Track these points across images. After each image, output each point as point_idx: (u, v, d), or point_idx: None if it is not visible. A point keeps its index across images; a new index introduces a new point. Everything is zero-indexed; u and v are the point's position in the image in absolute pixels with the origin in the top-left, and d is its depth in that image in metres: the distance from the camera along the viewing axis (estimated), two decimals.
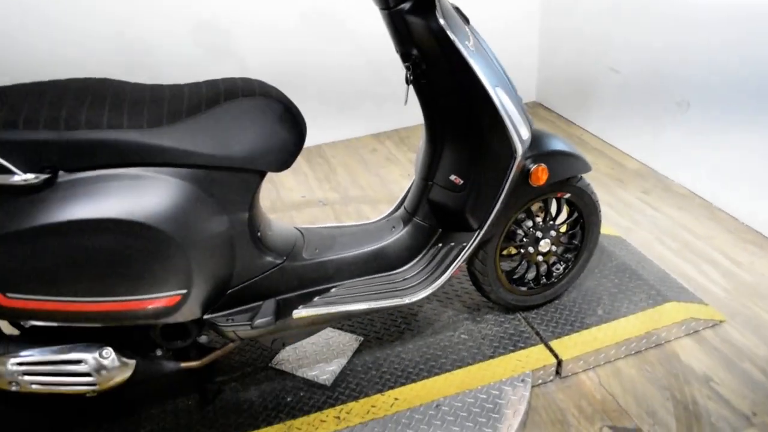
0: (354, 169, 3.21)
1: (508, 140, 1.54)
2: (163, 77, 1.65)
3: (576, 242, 1.94)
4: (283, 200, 2.96)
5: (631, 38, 2.85)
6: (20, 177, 1.26)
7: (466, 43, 1.45)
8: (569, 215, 1.90)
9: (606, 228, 2.44)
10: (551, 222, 1.86)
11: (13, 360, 1.46)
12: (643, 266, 2.18)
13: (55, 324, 1.46)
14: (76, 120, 1.29)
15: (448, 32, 1.42)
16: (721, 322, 1.99)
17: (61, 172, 1.29)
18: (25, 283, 1.31)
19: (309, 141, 3.32)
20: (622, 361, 1.88)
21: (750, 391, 1.75)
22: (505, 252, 1.89)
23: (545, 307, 1.99)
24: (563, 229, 1.90)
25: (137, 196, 1.32)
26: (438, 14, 1.41)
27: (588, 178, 1.87)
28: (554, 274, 1.96)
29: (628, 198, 2.72)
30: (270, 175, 3.12)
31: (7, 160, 1.25)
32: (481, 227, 1.63)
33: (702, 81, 2.51)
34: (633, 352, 1.89)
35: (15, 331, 1.56)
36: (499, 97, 1.51)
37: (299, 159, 3.34)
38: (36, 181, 1.27)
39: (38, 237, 1.27)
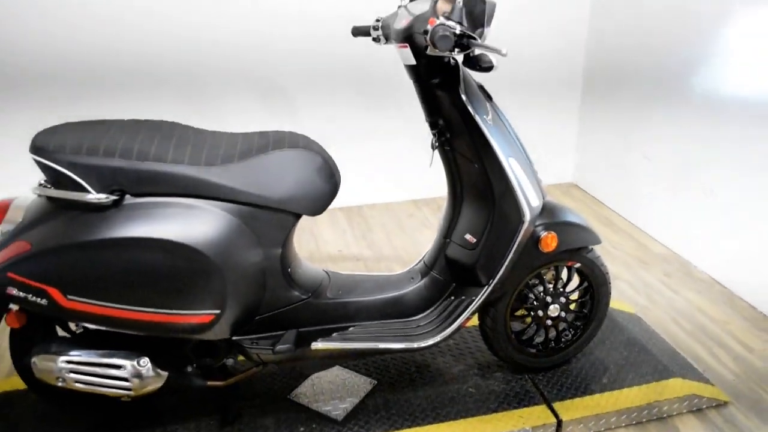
0: (390, 230, 3.39)
1: (517, 206, 1.71)
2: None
3: (585, 311, 2.05)
4: (320, 251, 3.15)
5: (663, 129, 3.00)
6: (93, 196, 1.50)
7: (485, 117, 1.64)
8: (579, 284, 2.02)
9: (622, 304, 2.53)
10: (561, 289, 1.98)
11: (62, 358, 1.65)
12: (654, 343, 2.25)
13: (103, 328, 1.65)
14: (146, 153, 1.53)
15: (469, 107, 1.62)
16: (725, 402, 2.03)
17: (127, 196, 1.53)
18: (84, 287, 1.52)
19: (351, 201, 3.60)
20: (623, 429, 1.94)
21: None
22: (517, 313, 2.01)
23: (552, 371, 2.08)
24: (573, 297, 2.02)
25: (189, 223, 1.53)
26: (461, 90, 1.62)
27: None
28: (563, 340, 2.06)
29: (649, 279, 2.80)
30: (311, 227, 3.35)
31: (85, 180, 1.49)
32: (489, 283, 1.77)
33: (726, 172, 2.62)
34: (634, 422, 1.95)
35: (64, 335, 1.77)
36: (512, 166, 1.68)
37: (339, 215, 3.56)
38: (106, 200, 1.50)
39: (101, 249, 1.49)
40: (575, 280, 2.02)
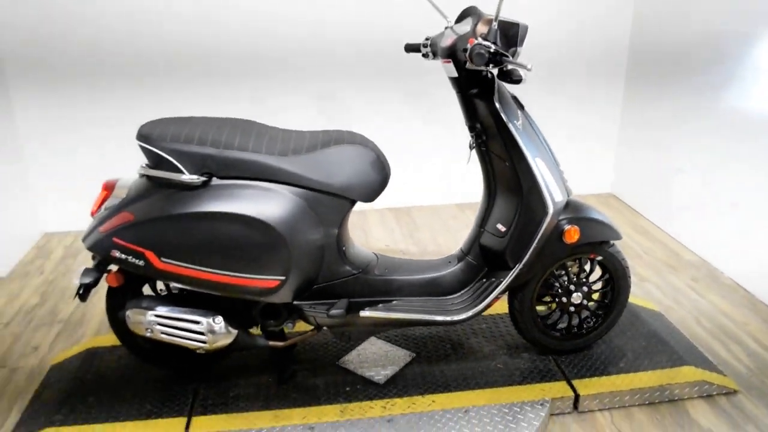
0: (435, 230, 3.66)
1: (542, 200, 1.95)
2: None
3: (606, 301, 2.26)
4: (369, 246, 3.44)
5: (695, 143, 3.18)
6: (187, 176, 1.83)
7: (516, 122, 1.90)
8: (601, 276, 2.24)
9: (647, 303, 2.72)
10: (584, 279, 2.21)
11: (151, 313, 1.98)
12: (673, 336, 2.44)
13: (186, 289, 1.98)
14: (231, 144, 1.85)
15: (501, 113, 1.89)
16: (735, 391, 2.21)
17: (214, 178, 1.85)
18: (176, 252, 1.85)
19: (400, 203, 3.89)
20: (636, 408, 2.14)
21: None
22: (544, 299, 2.24)
23: (574, 354, 2.30)
24: (595, 287, 2.24)
25: (264, 202, 1.84)
26: (495, 99, 1.88)
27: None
28: (585, 326, 2.28)
29: (677, 283, 2.97)
30: (362, 224, 3.64)
31: (180, 164, 1.83)
32: (516, 266, 2.01)
33: (751, 183, 2.79)
34: (647, 402, 2.16)
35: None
36: (538, 165, 1.94)
37: (389, 215, 3.85)
38: (197, 181, 1.83)
39: (191, 220, 1.82)
40: (597, 271, 2.24)
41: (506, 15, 1.84)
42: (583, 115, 3.90)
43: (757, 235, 2.79)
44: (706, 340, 2.52)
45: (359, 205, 3.72)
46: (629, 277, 2.24)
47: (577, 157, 3.98)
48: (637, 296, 2.81)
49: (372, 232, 3.63)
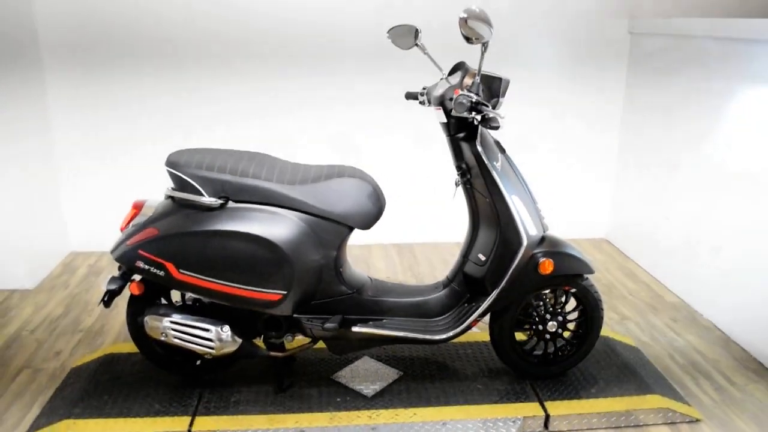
0: (434, 265, 3.88)
1: (517, 232, 2.19)
2: None
3: (580, 331, 2.47)
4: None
5: (680, 192, 3.41)
6: (206, 199, 2.10)
7: (495, 163, 2.16)
8: (575, 307, 2.45)
9: (625, 338, 2.91)
10: (559, 309, 2.42)
11: (167, 319, 2.23)
12: (644, 369, 2.62)
13: (202, 298, 2.22)
14: (246, 172, 2.13)
15: (482, 155, 2.14)
16: (698, 420, 2.38)
17: (230, 201, 2.12)
18: (193, 264, 2.11)
19: (403, 239, 4.15)
20: (603, 431, 2.33)
21: None
22: (524, 327, 2.45)
23: (550, 379, 2.49)
24: (570, 317, 2.45)
25: (272, 224, 2.10)
26: (477, 143, 2.15)
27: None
28: (560, 354, 2.48)
29: (656, 322, 3.16)
30: (366, 258, 3.88)
31: (202, 188, 2.10)
32: (493, 291, 2.24)
33: (730, 231, 3.00)
34: (613, 426, 2.33)
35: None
36: (514, 202, 2.18)
37: (392, 250, 4.09)
38: (215, 203, 2.10)
39: (208, 237, 2.08)
40: (573, 303, 2.45)
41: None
42: (581, 165, 4.15)
43: (734, 279, 2.98)
44: (677, 373, 2.70)
45: (365, 240, 4.02)
46: (602, 309, 2.45)
47: (575, 204, 4.22)
48: (617, 332, 3.00)
49: (375, 265, 3.87)
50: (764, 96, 2.80)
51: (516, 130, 3.91)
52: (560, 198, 4.18)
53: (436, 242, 4.24)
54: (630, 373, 2.56)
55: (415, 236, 4.22)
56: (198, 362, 2.38)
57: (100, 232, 3.87)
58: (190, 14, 3.66)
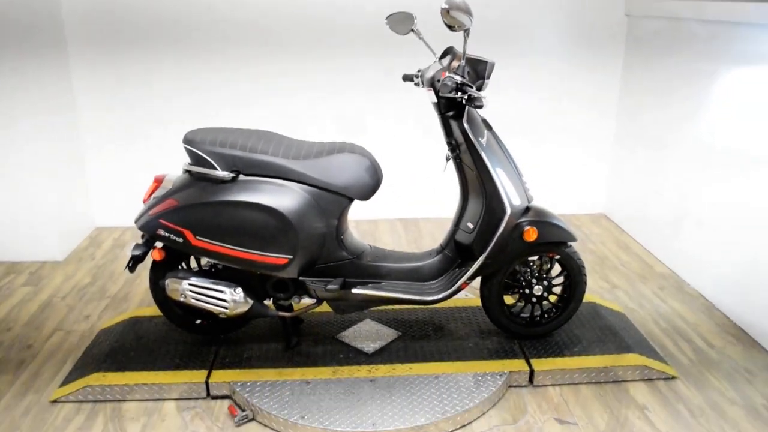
0: (437, 239, 4.04)
1: (501, 202, 2.38)
2: None
3: (564, 295, 2.66)
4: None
5: (670, 167, 3.57)
6: (220, 173, 2.32)
7: (481, 139, 2.35)
8: (560, 273, 2.64)
9: (612, 304, 3.10)
10: (545, 275, 2.62)
11: (186, 282, 2.46)
12: (627, 331, 2.82)
13: (216, 262, 2.46)
14: (255, 148, 2.34)
15: (469, 132, 2.33)
16: (673, 377, 2.57)
17: (241, 175, 2.34)
18: (207, 231, 2.33)
19: (409, 214, 4.35)
20: (584, 386, 2.53)
21: (675, 422, 2.33)
22: (512, 292, 2.65)
23: (536, 339, 2.70)
24: (555, 282, 2.64)
25: (279, 195, 2.32)
26: (464, 120, 2.33)
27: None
28: (546, 316, 2.68)
29: (644, 290, 3.35)
30: (373, 232, 4.09)
31: (216, 162, 2.32)
32: (480, 256, 2.44)
33: (716, 204, 3.16)
34: (593, 381, 2.53)
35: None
36: (498, 174, 2.37)
37: (398, 225, 4.30)
38: (228, 177, 2.32)
39: (221, 206, 2.30)
40: (557, 269, 2.65)
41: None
42: (581, 145, 4.32)
43: (718, 250, 3.15)
44: (659, 336, 2.89)
45: (373, 215, 4.22)
46: (584, 275, 2.64)
47: (575, 181, 4.39)
48: (605, 299, 3.19)
49: (381, 239, 4.08)
50: (747, 77, 2.94)
51: (517, 112, 4.11)
52: (561, 176, 4.36)
53: (440, 217, 4.43)
54: (612, 334, 2.75)
55: (421, 211, 4.42)
56: (198, 321, 2.61)
57: (122, 208, 4.13)
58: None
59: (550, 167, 4.32)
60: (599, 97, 4.24)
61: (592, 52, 4.13)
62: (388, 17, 2.44)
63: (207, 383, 2.45)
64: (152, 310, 2.93)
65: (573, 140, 4.31)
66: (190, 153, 2.39)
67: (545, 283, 2.61)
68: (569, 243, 2.59)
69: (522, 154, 4.03)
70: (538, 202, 2.54)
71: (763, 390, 2.49)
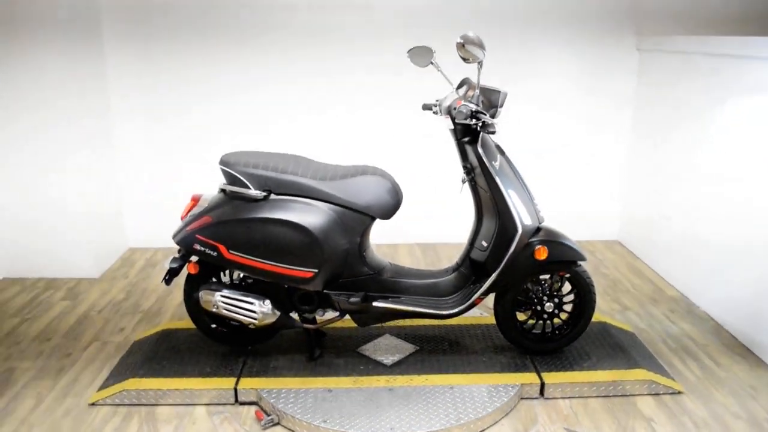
0: (454, 261, 4.23)
1: (513, 222, 2.54)
2: None
3: (575, 312, 2.80)
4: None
5: (681, 193, 3.71)
6: (253, 192, 2.53)
7: (494, 163, 2.53)
8: (570, 291, 2.78)
9: (623, 324, 3.22)
10: (556, 292, 2.76)
11: (218, 293, 2.65)
12: (636, 349, 2.93)
13: (247, 275, 2.64)
14: (286, 170, 2.55)
15: (483, 156, 2.51)
16: (679, 392, 2.68)
17: (272, 194, 2.54)
18: (240, 246, 2.52)
19: (426, 239, 4.51)
20: (593, 399, 2.64)
21: None
22: (524, 309, 2.79)
23: (547, 354, 2.83)
24: (566, 299, 2.78)
25: (307, 213, 2.51)
26: (478, 146, 2.52)
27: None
28: (557, 332, 2.81)
29: (655, 312, 3.46)
30: (393, 255, 4.25)
31: (249, 182, 2.52)
32: (493, 272, 2.59)
33: (723, 228, 3.29)
34: (602, 395, 2.65)
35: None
36: (510, 195, 2.54)
37: (417, 249, 4.46)
38: (260, 195, 2.52)
39: (253, 223, 2.50)
40: (567, 287, 2.79)
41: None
42: (596, 174, 4.48)
43: (726, 273, 3.26)
44: (667, 354, 3.00)
45: (392, 239, 4.39)
46: (594, 293, 2.77)
47: (590, 209, 4.54)
48: (615, 319, 3.31)
49: (400, 261, 4.24)
50: (751, 107, 3.10)
51: (537, 141, 4.29)
52: (577, 203, 4.51)
53: (459, 242, 4.56)
54: (621, 352, 2.87)
55: (439, 236, 4.58)
56: (214, 326, 2.78)
57: (154, 231, 4.37)
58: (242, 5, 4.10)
59: (567, 195, 4.47)
60: (614, 129, 4.40)
61: (606, 84, 4.31)
62: (409, 51, 2.65)
63: (235, 390, 2.61)
64: (184, 323, 3.12)
65: (588, 170, 4.47)
66: (226, 174, 2.60)
67: (556, 300, 2.75)
68: (579, 262, 2.73)
69: (539, 182, 4.25)
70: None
71: (766, 405, 2.59)
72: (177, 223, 2.71)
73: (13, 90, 3.62)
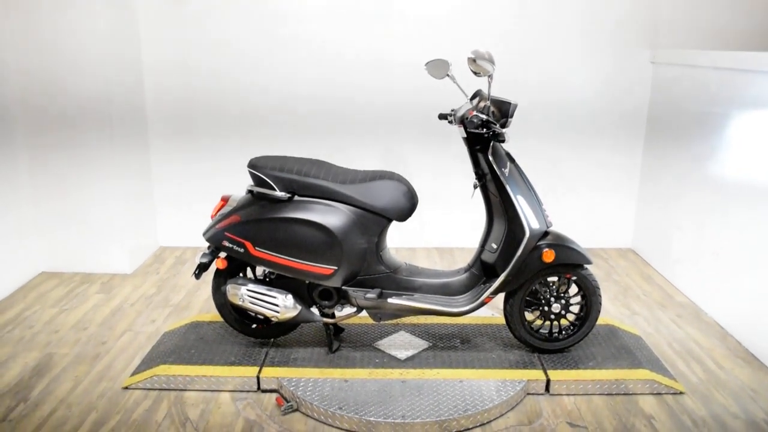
0: None
1: (521, 225, 2.69)
2: None
3: (581, 314, 2.93)
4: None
5: (690, 206, 3.81)
6: (278, 193, 2.72)
7: (504, 170, 2.68)
8: (576, 293, 2.92)
9: (630, 327, 3.33)
10: (563, 294, 2.90)
11: (244, 287, 2.84)
12: (641, 350, 3.05)
13: (272, 270, 2.82)
14: (309, 173, 2.73)
15: (493, 163, 2.67)
16: (681, 393, 2.79)
17: (296, 196, 2.72)
18: (266, 243, 2.71)
19: (443, 244, 4.69)
20: (596, 396, 2.77)
21: (678, 431, 2.56)
22: (530, 308, 2.94)
23: (554, 354, 2.96)
24: (572, 301, 2.92)
25: (328, 214, 2.69)
26: (489, 153, 2.68)
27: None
28: (563, 332, 2.95)
29: (662, 317, 3.56)
30: (410, 258, 4.40)
31: (275, 184, 2.72)
32: (502, 273, 2.74)
33: (732, 237, 3.39)
34: (606, 393, 2.77)
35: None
36: (519, 201, 2.69)
37: (435, 253, 4.61)
38: (285, 197, 2.71)
39: (278, 222, 2.68)
40: (574, 289, 2.92)
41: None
42: (610, 183, 4.60)
43: (733, 280, 3.37)
44: (671, 357, 3.11)
45: (411, 243, 4.55)
46: (599, 295, 2.90)
47: (604, 218, 4.65)
48: (624, 324, 3.42)
49: (419, 263, 4.39)
50: (760, 120, 3.21)
51: (553, 150, 4.42)
52: (592, 212, 4.63)
53: (474, 248, 4.71)
54: (626, 353, 2.99)
55: (456, 241, 4.73)
56: (253, 326, 2.97)
57: (184, 230, 4.60)
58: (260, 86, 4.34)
59: (582, 204, 4.59)
60: (628, 141, 4.52)
61: (621, 96, 4.44)
62: (426, 63, 2.82)
63: (258, 378, 2.79)
64: (211, 316, 3.32)
65: (603, 180, 4.59)
66: (254, 176, 2.79)
67: (563, 301, 2.89)
68: (585, 265, 2.86)
69: (555, 190, 4.38)
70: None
71: (766, 406, 2.69)
72: (204, 226, 2.91)
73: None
